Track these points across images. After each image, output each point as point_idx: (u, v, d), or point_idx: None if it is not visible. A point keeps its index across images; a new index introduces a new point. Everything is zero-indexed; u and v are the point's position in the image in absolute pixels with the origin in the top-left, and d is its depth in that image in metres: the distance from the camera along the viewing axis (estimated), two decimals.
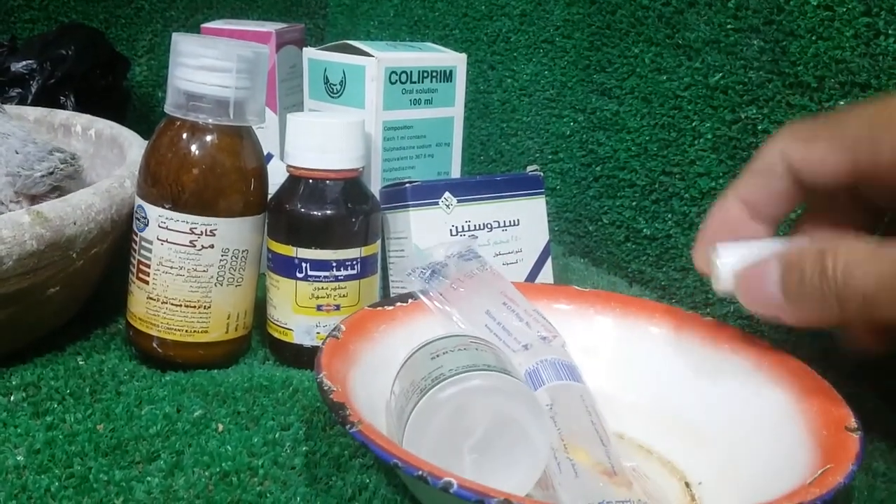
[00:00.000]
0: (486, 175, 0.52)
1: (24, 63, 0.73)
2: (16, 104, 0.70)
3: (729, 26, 0.53)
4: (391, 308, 0.42)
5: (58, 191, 0.50)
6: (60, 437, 0.37)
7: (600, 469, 0.35)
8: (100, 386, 0.43)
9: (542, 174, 0.53)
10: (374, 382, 0.36)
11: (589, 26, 0.65)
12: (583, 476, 0.34)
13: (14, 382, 0.42)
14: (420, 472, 0.28)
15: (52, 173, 0.49)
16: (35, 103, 0.71)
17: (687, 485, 0.37)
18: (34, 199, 0.49)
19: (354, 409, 0.31)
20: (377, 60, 0.49)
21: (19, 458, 0.36)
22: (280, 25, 0.66)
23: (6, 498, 0.33)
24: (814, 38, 0.47)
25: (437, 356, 0.34)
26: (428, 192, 0.49)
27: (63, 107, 0.72)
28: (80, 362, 0.45)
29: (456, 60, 0.54)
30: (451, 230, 0.49)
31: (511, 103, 0.74)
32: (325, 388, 0.33)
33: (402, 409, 0.34)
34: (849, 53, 0.45)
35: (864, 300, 0.30)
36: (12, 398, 0.41)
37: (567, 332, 0.41)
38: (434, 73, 0.52)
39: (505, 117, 0.75)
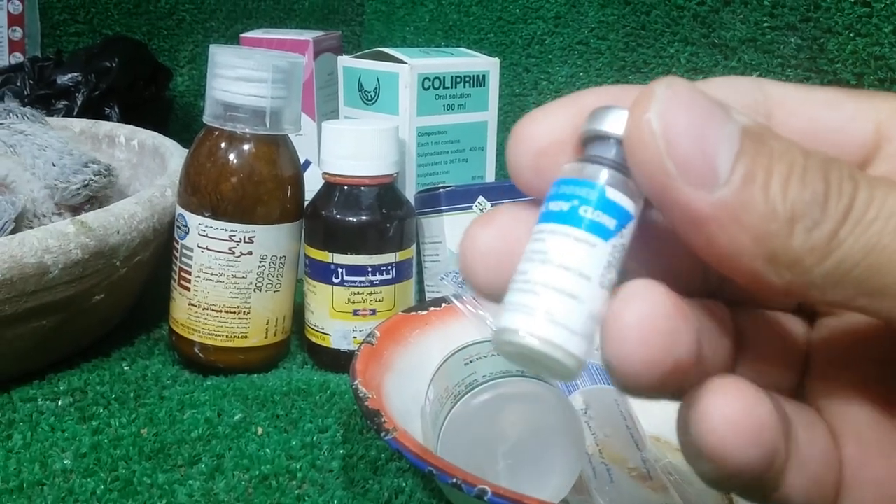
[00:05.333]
0: None
1: (69, 76, 0.75)
2: (62, 116, 0.72)
3: (765, 24, 0.52)
4: (425, 313, 0.42)
5: (95, 201, 0.51)
6: (106, 441, 0.39)
7: (636, 474, 0.35)
8: (144, 391, 0.44)
9: None
10: (408, 387, 0.37)
11: (624, 27, 0.65)
12: (618, 481, 0.34)
13: (62, 388, 0.44)
14: (454, 480, 0.28)
15: (87, 185, 0.50)
16: (81, 115, 0.72)
17: None
18: (75, 210, 0.50)
19: (389, 416, 0.32)
20: (410, 67, 0.50)
21: (66, 461, 0.37)
22: (317, 33, 0.67)
23: (54, 501, 0.34)
24: (852, 34, 0.46)
25: (471, 362, 0.35)
26: (462, 197, 0.49)
27: (108, 118, 0.74)
28: (125, 368, 0.46)
29: (489, 65, 0.54)
30: None
31: None
32: (361, 394, 0.33)
33: (436, 414, 0.34)
34: (887, 50, 0.45)
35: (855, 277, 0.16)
36: (60, 403, 0.42)
37: None
38: (467, 78, 0.53)
39: None
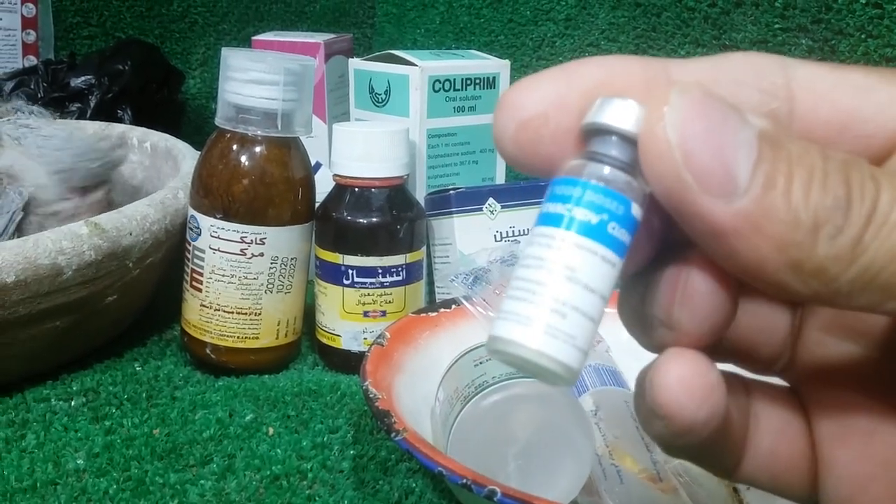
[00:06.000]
0: (531, 180, 0.52)
1: (83, 79, 0.76)
2: (75, 118, 0.72)
3: (776, 26, 0.52)
4: (435, 314, 0.42)
5: (107, 184, 0.52)
6: (118, 441, 0.39)
7: (646, 475, 0.35)
8: (156, 391, 0.44)
9: None
10: (418, 388, 0.37)
11: (634, 29, 0.65)
12: (628, 482, 0.34)
13: (75, 388, 0.44)
14: (464, 481, 0.28)
15: (96, 160, 0.50)
16: (94, 117, 0.73)
17: (735, 490, 0.37)
18: (84, 193, 0.50)
19: (399, 417, 0.32)
20: (420, 69, 0.50)
21: (80, 461, 0.37)
22: (329, 36, 0.68)
23: (67, 500, 0.35)
24: (863, 36, 0.46)
25: (481, 363, 0.35)
26: (472, 199, 0.49)
27: (121, 120, 0.75)
28: (138, 368, 0.47)
29: (499, 67, 0.54)
30: (495, 236, 0.50)
31: None
32: (371, 395, 0.33)
33: (446, 415, 0.34)
34: None
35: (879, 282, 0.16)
36: (73, 403, 0.42)
37: (611, 337, 0.41)
38: (477, 80, 0.53)
39: None
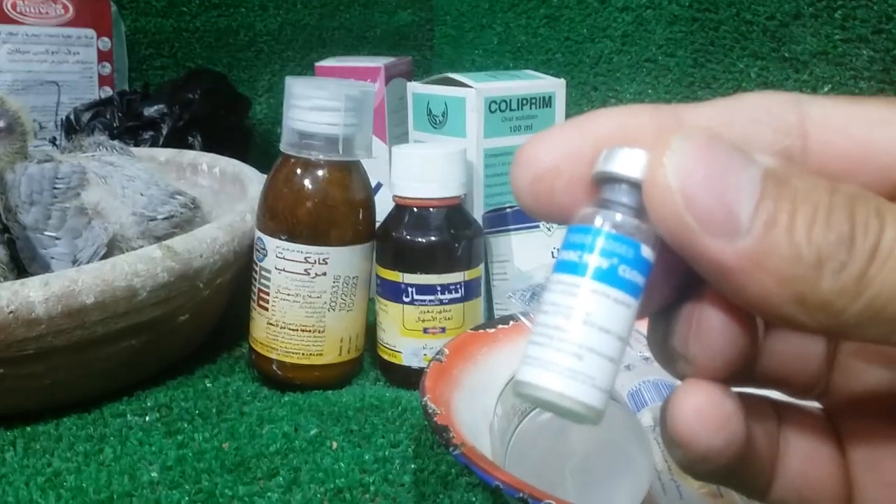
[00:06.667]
0: None
1: (155, 108, 0.79)
2: (149, 146, 0.76)
3: (836, 37, 0.51)
4: (493, 331, 0.43)
5: (179, 232, 0.54)
6: (190, 454, 0.40)
7: (705, 490, 0.34)
8: (225, 406, 0.46)
9: None
10: (477, 403, 0.38)
11: (692, 43, 0.65)
12: (688, 498, 0.34)
13: (149, 404, 0.46)
14: (521, 494, 0.29)
15: (172, 216, 0.53)
16: (166, 145, 0.76)
17: None
18: (158, 238, 0.53)
19: (458, 432, 0.33)
20: (476, 91, 0.51)
21: (153, 474, 0.39)
22: (388, 59, 0.69)
23: None
24: None
25: None
26: (529, 216, 0.50)
27: (191, 147, 0.78)
28: (208, 385, 0.48)
29: (554, 86, 0.55)
30: (552, 252, 0.50)
31: None
32: (430, 410, 0.34)
33: (504, 430, 0.35)
34: None
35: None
36: (147, 419, 0.44)
37: None
38: (533, 100, 0.53)
39: None
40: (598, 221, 0.17)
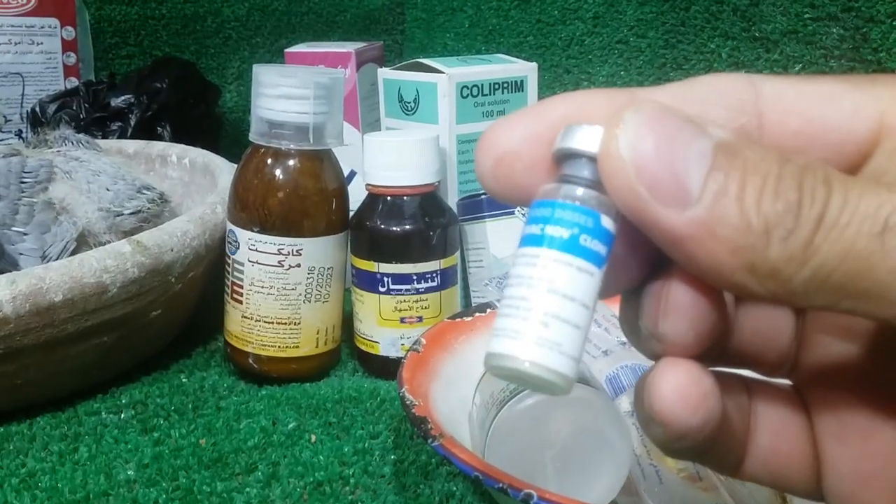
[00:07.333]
0: None
1: (122, 98, 0.77)
2: (116, 137, 0.74)
3: (807, 16, 0.51)
4: (470, 319, 0.43)
5: (147, 227, 0.53)
6: (167, 451, 0.40)
7: (685, 474, 0.35)
8: (201, 402, 0.45)
9: None
10: (455, 393, 0.37)
11: (663, 24, 0.64)
12: (668, 482, 0.34)
13: (123, 401, 0.45)
14: (501, 485, 0.28)
15: (139, 212, 0.52)
16: (134, 135, 0.75)
17: None
18: (126, 233, 0.52)
19: (436, 423, 0.32)
20: (448, 77, 0.51)
21: (130, 472, 0.38)
22: (359, 45, 0.68)
23: None
24: (894, 23, 0.46)
25: None
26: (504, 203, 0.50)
27: (160, 137, 0.77)
28: (184, 380, 0.48)
29: (526, 70, 0.54)
30: None
31: None
32: (408, 402, 0.34)
33: (483, 420, 0.35)
34: None
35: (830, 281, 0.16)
36: (122, 416, 0.44)
37: None
38: (505, 85, 0.53)
39: None
40: (558, 195, 0.17)
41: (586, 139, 0.17)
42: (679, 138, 0.16)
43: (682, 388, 0.18)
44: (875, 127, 0.18)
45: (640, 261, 0.19)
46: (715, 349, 0.19)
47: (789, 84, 0.19)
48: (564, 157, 0.18)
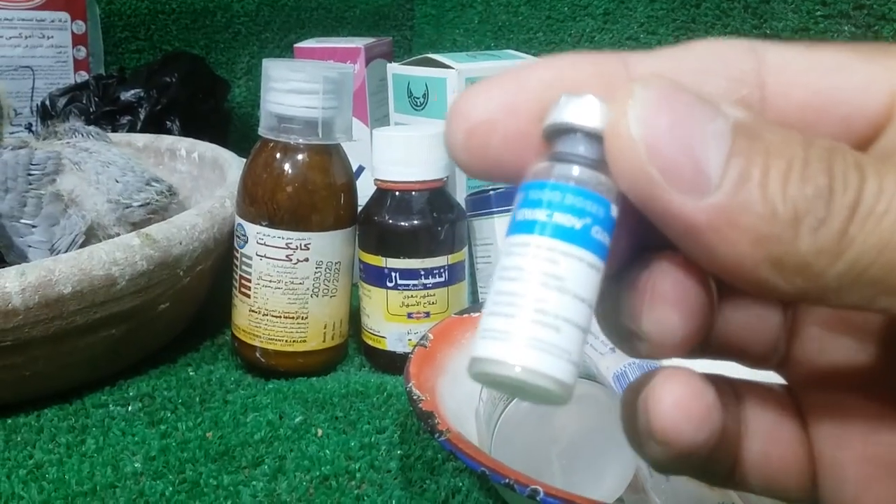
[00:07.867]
0: None
1: (132, 92, 0.78)
2: (126, 131, 0.75)
3: (818, 13, 0.51)
4: (477, 315, 0.42)
5: (156, 219, 0.53)
6: (174, 444, 0.40)
7: None
8: (209, 395, 0.45)
9: None
10: (462, 389, 0.37)
11: (673, 21, 0.64)
12: (674, 479, 0.34)
13: (131, 393, 0.45)
14: (507, 480, 0.28)
15: (148, 203, 0.52)
16: (144, 129, 0.75)
17: None
18: (134, 225, 0.52)
19: (443, 418, 0.32)
20: (457, 72, 0.50)
21: (137, 464, 0.38)
22: (368, 40, 0.68)
23: (126, 502, 0.36)
24: None
25: None
26: (512, 198, 0.50)
27: (169, 131, 0.77)
28: (191, 373, 0.48)
29: None
30: None
31: None
32: (414, 397, 0.34)
33: (489, 415, 0.35)
34: None
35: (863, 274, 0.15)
36: (129, 408, 0.44)
37: None
38: None
39: None
40: (556, 175, 0.15)
41: (583, 113, 0.15)
42: (695, 117, 0.14)
43: (684, 403, 0.16)
44: (888, 101, 0.16)
45: (624, 248, 0.17)
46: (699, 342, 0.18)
47: (795, 52, 0.17)
48: (559, 133, 0.16)
